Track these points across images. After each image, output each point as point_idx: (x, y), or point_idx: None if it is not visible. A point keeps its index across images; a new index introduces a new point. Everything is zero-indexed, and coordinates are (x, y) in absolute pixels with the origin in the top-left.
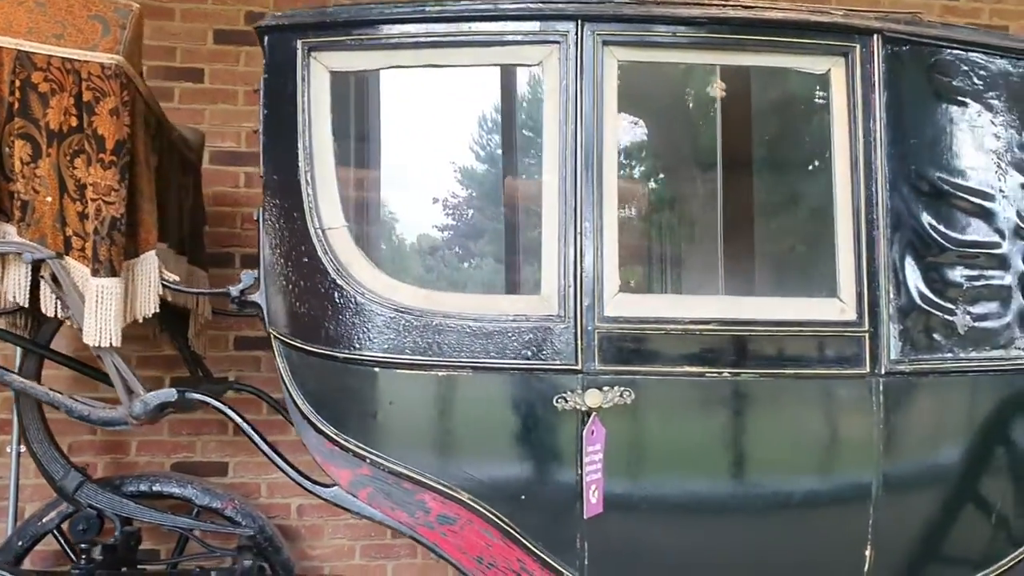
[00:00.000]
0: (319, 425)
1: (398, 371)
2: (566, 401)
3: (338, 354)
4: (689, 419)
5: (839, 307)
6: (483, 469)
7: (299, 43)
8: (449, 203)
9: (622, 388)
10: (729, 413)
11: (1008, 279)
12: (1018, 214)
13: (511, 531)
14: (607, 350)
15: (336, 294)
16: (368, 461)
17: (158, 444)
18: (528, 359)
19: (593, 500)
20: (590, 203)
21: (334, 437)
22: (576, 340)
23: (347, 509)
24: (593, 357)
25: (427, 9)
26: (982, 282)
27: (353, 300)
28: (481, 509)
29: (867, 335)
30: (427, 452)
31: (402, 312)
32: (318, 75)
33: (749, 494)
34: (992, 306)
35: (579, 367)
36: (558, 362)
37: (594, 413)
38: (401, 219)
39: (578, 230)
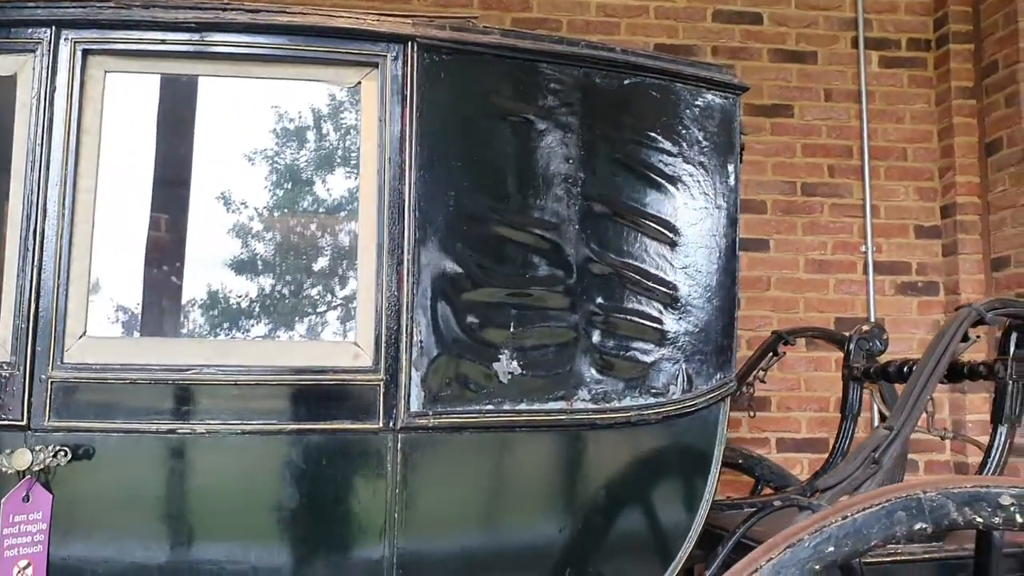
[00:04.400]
0: None
1: None
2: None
3: None
4: (157, 483)
5: (353, 352)
6: None
7: None
8: None
9: (60, 447)
10: (208, 476)
11: (574, 320)
12: (590, 247)
13: None
14: (61, 403)
15: None
16: None
17: None
18: None
19: None
20: (54, 229)
21: None
22: (24, 391)
23: None
24: (43, 411)
25: None
26: (537, 324)
27: None
28: None
29: (382, 383)
30: None
31: None
32: None
33: (236, 572)
34: (548, 352)
35: (24, 423)
36: (2, 417)
37: (27, 476)
38: None
39: (34, 262)
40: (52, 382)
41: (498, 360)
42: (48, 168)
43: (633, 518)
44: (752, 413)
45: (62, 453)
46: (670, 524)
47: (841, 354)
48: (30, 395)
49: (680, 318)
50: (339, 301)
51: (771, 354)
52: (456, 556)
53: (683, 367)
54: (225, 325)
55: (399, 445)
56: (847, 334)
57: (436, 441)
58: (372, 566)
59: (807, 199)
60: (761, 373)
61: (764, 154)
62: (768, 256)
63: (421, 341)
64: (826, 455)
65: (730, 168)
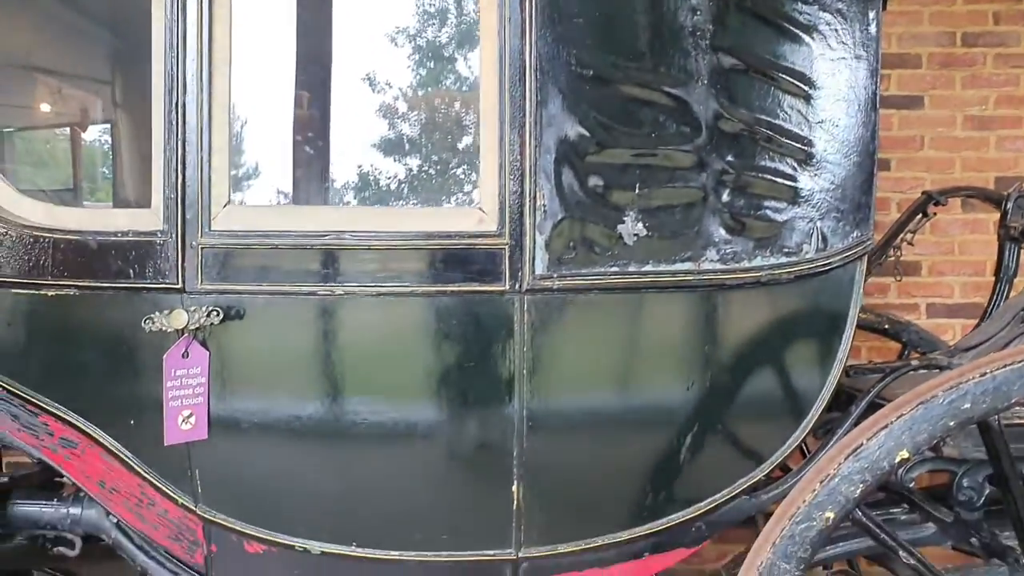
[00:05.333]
0: None
1: (12, 290)
2: (153, 322)
3: None
4: (303, 342)
5: (478, 217)
6: (92, 393)
7: None
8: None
9: (213, 308)
10: (348, 335)
11: (703, 179)
12: (720, 103)
13: (124, 457)
14: (211, 267)
15: None
16: None
17: None
18: (130, 278)
19: (185, 427)
20: (195, 104)
21: None
22: (178, 257)
23: None
24: (196, 275)
25: None
26: (664, 185)
27: None
28: (94, 435)
29: (507, 247)
30: (42, 374)
31: (24, 228)
32: None
33: (376, 423)
34: (676, 212)
35: (180, 286)
36: (159, 281)
37: (186, 334)
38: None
39: (178, 135)
40: (202, 248)
41: (623, 222)
42: (185, 42)
43: (763, 378)
44: (899, 277)
45: (215, 313)
46: (801, 384)
47: (998, 216)
48: (183, 261)
49: (815, 175)
50: (464, 168)
51: (920, 216)
52: (584, 413)
53: (817, 225)
54: (358, 193)
55: (525, 306)
56: (1006, 192)
57: (562, 302)
58: (503, 421)
59: (968, 50)
60: (909, 236)
61: (921, 3)
62: (922, 114)
63: (544, 205)
64: (977, 321)
65: (871, 15)
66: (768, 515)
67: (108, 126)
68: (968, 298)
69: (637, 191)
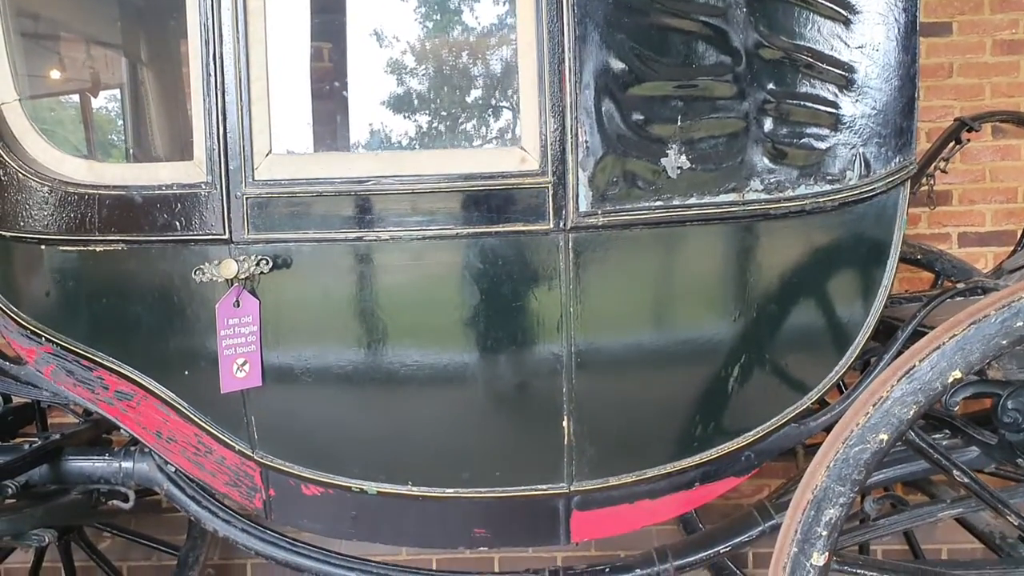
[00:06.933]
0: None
1: (60, 248)
2: (203, 273)
3: (4, 233)
4: (350, 287)
5: (520, 156)
6: (146, 345)
7: None
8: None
9: (261, 257)
10: (396, 278)
11: (744, 108)
12: (759, 31)
13: (180, 408)
14: (257, 217)
15: (2, 171)
16: (44, 339)
17: None
18: (177, 230)
19: (240, 375)
20: (232, 55)
21: (14, 316)
22: (223, 207)
23: (38, 386)
24: (242, 225)
25: None
26: (705, 116)
27: (19, 175)
28: (150, 386)
29: (550, 186)
30: (95, 329)
31: (66, 185)
32: None
33: (425, 365)
34: (719, 143)
35: (227, 236)
36: (206, 232)
37: (235, 284)
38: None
39: (217, 86)
40: (247, 198)
41: (666, 155)
42: None
43: (808, 308)
44: (932, 207)
45: (264, 262)
46: (845, 314)
47: None
48: (228, 211)
49: (857, 100)
50: (504, 107)
51: (953, 143)
52: (631, 347)
53: (860, 151)
54: (398, 138)
55: (570, 244)
56: None
57: (607, 239)
58: (551, 359)
59: None
60: (942, 164)
61: None
62: (950, 40)
63: (586, 141)
64: (1013, 248)
65: None
66: (807, 447)
67: (144, 83)
68: (1000, 226)
69: (679, 123)
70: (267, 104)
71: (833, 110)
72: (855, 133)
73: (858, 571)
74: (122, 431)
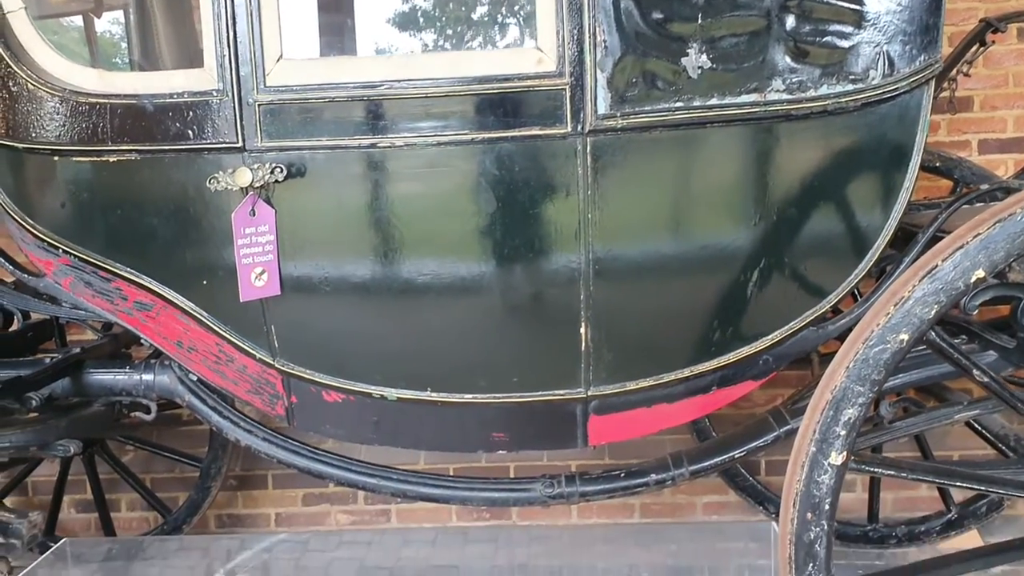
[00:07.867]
0: (15, 216)
1: (73, 159)
2: (218, 182)
3: (17, 144)
4: (364, 195)
5: (536, 57)
6: (164, 256)
7: None
8: None
9: (275, 165)
10: (411, 186)
11: (766, 5)
12: None
13: (200, 317)
14: (270, 124)
15: (12, 81)
16: (61, 251)
17: None
18: (190, 139)
19: (258, 284)
20: None
21: (31, 229)
22: (235, 115)
23: (56, 299)
24: (255, 132)
25: None
26: (726, 14)
27: (29, 86)
28: (169, 296)
29: (568, 87)
30: (111, 240)
31: (76, 95)
32: None
33: (442, 273)
34: (740, 42)
35: (240, 144)
36: (219, 140)
37: (250, 193)
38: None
39: None
40: (259, 105)
41: (686, 55)
42: None
43: (827, 211)
44: (953, 112)
45: (278, 170)
46: (865, 217)
47: None
48: (241, 118)
49: None
50: (520, 7)
51: (978, 45)
52: (649, 252)
53: (884, 49)
54: (411, 40)
55: (588, 148)
56: None
57: (626, 142)
58: (569, 264)
59: None
60: (965, 67)
61: None
62: None
63: (605, 41)
64: None
65: None
66: (822, 356)
67: None
68: (1022, 132)
69: (700, 21)
70: (277, 8)
71: (857, 6)
72: (879, 30)
73: (876, 469)
74: (143, 342)
